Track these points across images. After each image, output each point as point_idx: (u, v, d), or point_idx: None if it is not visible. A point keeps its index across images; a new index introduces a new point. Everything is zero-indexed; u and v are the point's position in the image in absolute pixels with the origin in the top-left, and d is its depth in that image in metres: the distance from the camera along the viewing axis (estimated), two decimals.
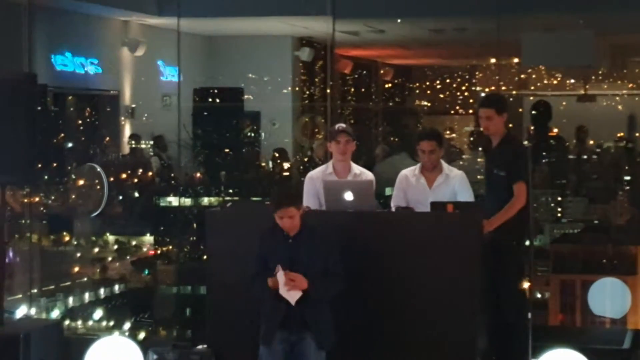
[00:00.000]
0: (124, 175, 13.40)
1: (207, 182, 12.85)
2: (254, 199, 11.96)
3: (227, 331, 7.47)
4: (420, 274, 7.22)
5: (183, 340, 10.40)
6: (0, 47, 10.44)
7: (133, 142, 14.17)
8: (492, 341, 7.67)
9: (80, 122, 13.88)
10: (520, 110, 16.32)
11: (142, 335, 11.62)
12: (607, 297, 10.50)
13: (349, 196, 7.44)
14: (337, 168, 7.94)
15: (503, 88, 16.33)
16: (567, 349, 6.85)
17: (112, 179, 12.71)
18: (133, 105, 14.22)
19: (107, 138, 14.09)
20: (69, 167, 12.81)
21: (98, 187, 12.31)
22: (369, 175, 8.00)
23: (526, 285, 7.82)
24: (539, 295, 12.01)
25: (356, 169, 7.98)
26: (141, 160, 13.99)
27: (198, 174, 12.97)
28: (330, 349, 6.82)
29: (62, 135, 13.21)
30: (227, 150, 13.41)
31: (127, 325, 11.85)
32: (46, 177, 12.10)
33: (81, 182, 12.50)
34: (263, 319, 6.84)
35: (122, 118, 14.20)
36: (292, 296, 6.64)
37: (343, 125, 8.15)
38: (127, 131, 14.33)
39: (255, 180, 13.85)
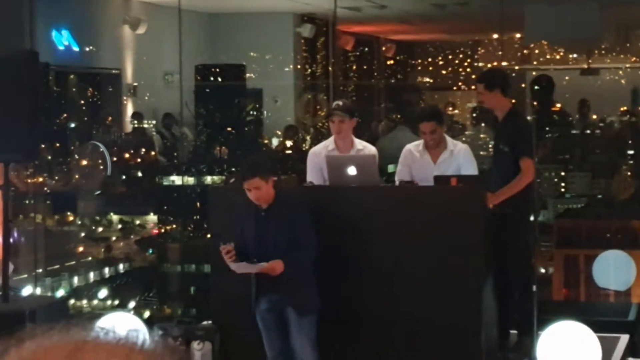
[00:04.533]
0: (127, 155, 13.38)
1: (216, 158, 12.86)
2: None
3: (231, 307, 7.48)
4: (424, 247, 7.21)
5: (188, 318, 10.43)
6: (1, 25, 10.39)
7: (136, 121, 14.14)
8: (498, 314, 7.67)
9: (82, 101, 13.85)
10: (523, 85, 16.28)
11: (147, 313, 11.65)
12: (612, 269, 10.50)
13: (352, 171, 7.42)
14: (339, 144, 7.91)
15: (505, 63, 16.28)
16: (572, 321, 6.84)
17: (115, 158, 12.70)
18: (135, 84, 14.19)
19: (110, 117, 14.06)
20: (72, 147, 12.80)
21: (102, 166, 12.30)
22: (372, 149, 7.96)
23: (533, 258, 7.81)
24: (542, 270, 12.00)
25: (359, 144, 7.93)
26: (144, 139, 13.97)
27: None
28: (316, 315, 6.86)
29: (65, 115, 13.19)
30: (229, 128, 13.40)
31: (132, 304, 11.87)
32: (50, 157, 12.09)
33: (84, 161, 12.49)
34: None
35: (125, 97, 14.17)
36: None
37: (340, 102, 8.06)
38: (129, 110, 14.30)
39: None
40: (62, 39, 13.02)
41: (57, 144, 12.55)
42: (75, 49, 13.20)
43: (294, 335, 6.85)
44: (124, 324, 7.32)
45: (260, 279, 6.79)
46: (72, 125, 13.27)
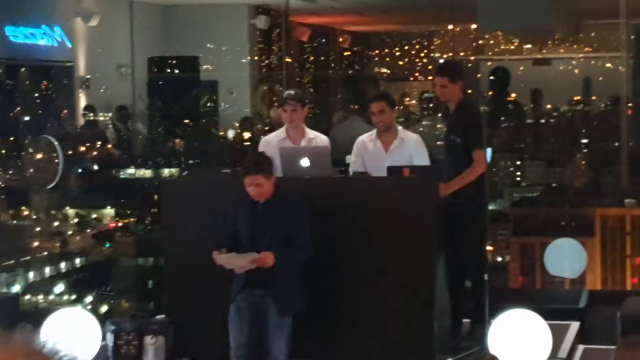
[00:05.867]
0: (82, 148, 13.30)
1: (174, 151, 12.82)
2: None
3: (184, 300, 7.46)
4: (377, 237, 7.23)
5: (145, 312, 10.38)
6: None
7: (91, 114, 14.05)
8: (451, 303, 7.72)
9: (36, 94, 13.74)
10: (479, 75, 16.36)
11: (104, 308, 11.60)
12: (563, 257, 10.59)
13: (305, 162, 7.43)
14: (290, 134, 7.95)
15: (461, 54, 16.36)
16: (523, 309, 6.90)
17: (70, 152, 12.62)
18: (88, 77, 14.09)
19: (65, 111, 13.97)
20: (26, 141, 12.70)
21: (56, 160, 12.22)
22: (323, 139, 8.00)
23: (485, 247, 7.86)
24: (499, 259, 12.09)
25: (310, 133, 7.98)
26: (98, 132, 13.90)
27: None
28: (294, 316, 6.83)
29: (19, 108, 13.09)
30: (186, 120, 13.37)
31: (89, 299, 11.81)
32: (3, 151, 12.00)
33: (39, 155, 12.40)
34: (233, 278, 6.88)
35: (79, 90, 14.07)
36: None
37: (292, 92, 8.13)
38: (83, 103, 14.21)
39: (217, 150, 13.84)
40: (55, 36, 13.01)
41: (11, 138, 12.46)
42: (69, 45, 13.18)
43: (273, 334, 6.78)
44: (75, 319, 7.29)
45: (249, 273, 6.73)
46: (26, 118, 13.17)
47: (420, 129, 13.54)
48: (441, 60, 17.33)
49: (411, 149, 7.92)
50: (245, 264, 6.65)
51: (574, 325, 7.84)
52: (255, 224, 6.73)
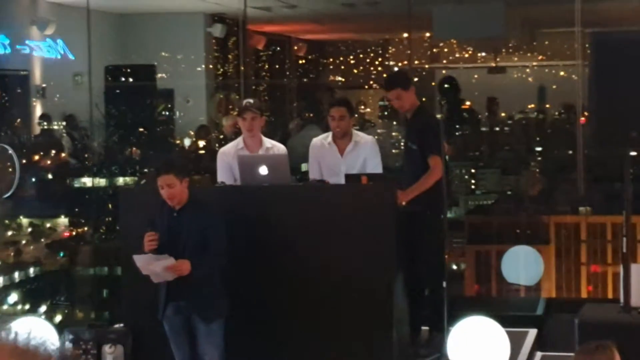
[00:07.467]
0: (36, 157, 13.21)
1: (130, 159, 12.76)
2: None
3: (142, 309, 7.42)
4: (335, 245, 7.24)
5: (100, 322, 10.33)
6: None
7: (45, 123, 13.95)
8: (410, 310, 7.74)
9: None
10: (433, 84, 16.43)
11: (58, 317, 11.53)
12: (520, 265, 10.67)
13: (264, 170, 7.44)
14: (248, 143, 7.97)
15: (416, 62, 16.41)
16: (481, 316, 6.94)
17: (24, 161, 12.52)
18: (44, 85, 13.99)
19: (19, 119, 13.86)
20: None
21: (10, 169, 12.12)
22: (280, 148, 8.03)
23: (444, 254, 7.89)
24: (455, 267, 12.15)
25: (267, 142, 8.00)
26: (53, 141, 13.81)
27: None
28: (224, 320, 6.83)
29: None
30: (141, 129, 13.32)
31: (43, 308, 11.73)
32: None
33: None
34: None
35: (34, 99, 13.97)
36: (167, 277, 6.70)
37: (251, 100, 8.17)
38: (38, 112, 14.12)
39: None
40: (58, 48, 12.95)
41: None
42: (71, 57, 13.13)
43: (202, 342, 6.81)
44: (32, 328, 7.22)
45: (171, 284, 6.74)
46: None
47: (376, 136, 13.58)
48: (387, 73, 17.41)
49: (366, 151, 7.96)
50: (160, 271, 6.65)
51: (532, 333, 7.90)
52: (172, 231, 6.76)
